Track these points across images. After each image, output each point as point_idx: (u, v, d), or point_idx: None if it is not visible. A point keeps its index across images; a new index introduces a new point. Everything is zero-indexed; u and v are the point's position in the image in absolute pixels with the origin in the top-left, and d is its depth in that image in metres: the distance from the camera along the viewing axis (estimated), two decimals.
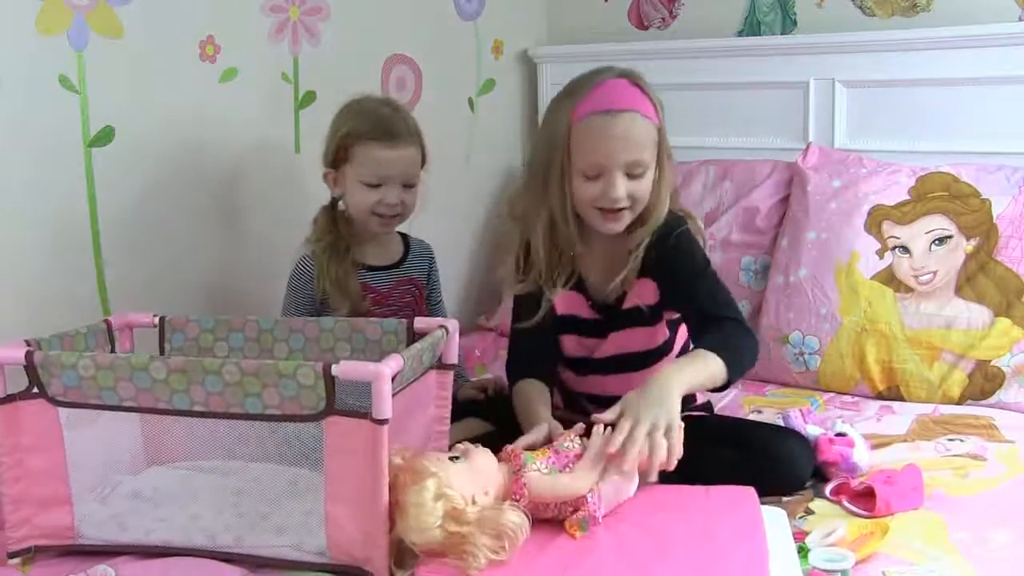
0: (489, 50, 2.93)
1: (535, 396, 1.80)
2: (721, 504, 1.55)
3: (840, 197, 2.36)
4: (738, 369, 1.68)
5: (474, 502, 1.42)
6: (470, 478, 1.44)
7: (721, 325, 1.73)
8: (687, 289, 1.78)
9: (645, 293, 1.83)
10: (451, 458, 1.46)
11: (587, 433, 1.58)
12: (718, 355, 1.65)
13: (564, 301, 1.86)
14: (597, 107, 1.71)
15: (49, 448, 1.51)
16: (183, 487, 1.58)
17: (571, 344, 1.90)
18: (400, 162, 2.00)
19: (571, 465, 1.51)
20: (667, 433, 1.51)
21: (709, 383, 1.67)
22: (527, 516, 1.42)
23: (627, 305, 1.84)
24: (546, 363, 1.89)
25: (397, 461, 1.42)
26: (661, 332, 1.86)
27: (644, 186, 1.74)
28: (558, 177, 1.74)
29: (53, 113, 2.00)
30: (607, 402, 1.63)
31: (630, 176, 1.72)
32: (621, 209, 1.75)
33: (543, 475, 1.49)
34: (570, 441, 1.55)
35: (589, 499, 1.47)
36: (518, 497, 1.46)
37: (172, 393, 1.43)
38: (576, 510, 1.48)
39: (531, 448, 1.56)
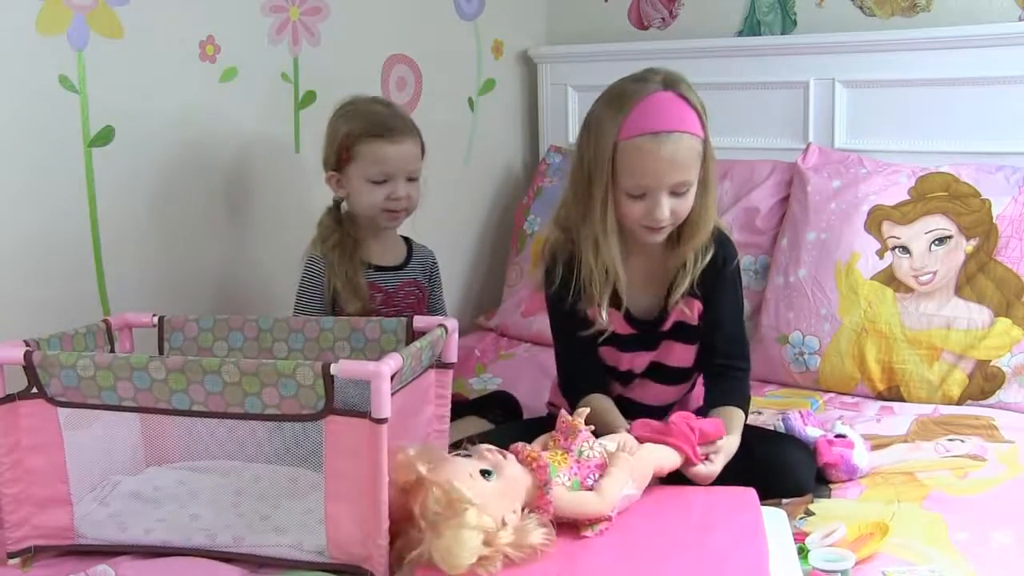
0: (489, 50, 2.93)
1: (609, 407, 1.79)
2: (721, 504, 1.55)
3: (840, 197, 2.36)
4: (742, 424, 1.78)
5: (504, 524, 1.38)
6: (502, 499, 1.40)
7: (740, 378, 1.85)
8: (721, 325, 1.82)
9: (692, 312, 1.83)
10: (483, 471, 1.42)
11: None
12: (743, 414, 1.78)
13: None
14: (644, 128, 1.66)
15: (48, 448, 1.51)
16: (182, 487, 1.58)
17: (608, 354, 1.88)
18: (404, 156, 2.03)
19: (593, 476, 1.50)
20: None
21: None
22: (552, 529, 1.41)
23: (671, 322, 1.83)
24: (600, 376, 1.87)
25: (421, 468, 1.38)
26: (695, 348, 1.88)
27: (687, 203, 1.72)
28: (602, 195, 1.71)
29: (53, 113, 2.00)
30: (644, 410, 1.71)
31: (674, 194, 1.70)
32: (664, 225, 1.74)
33: (568, 491, 1.48)
34: (590, 449, 1.54)
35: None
36: (543, 512, 1.44)
37: (171, 393, 1.43)
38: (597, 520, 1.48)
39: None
